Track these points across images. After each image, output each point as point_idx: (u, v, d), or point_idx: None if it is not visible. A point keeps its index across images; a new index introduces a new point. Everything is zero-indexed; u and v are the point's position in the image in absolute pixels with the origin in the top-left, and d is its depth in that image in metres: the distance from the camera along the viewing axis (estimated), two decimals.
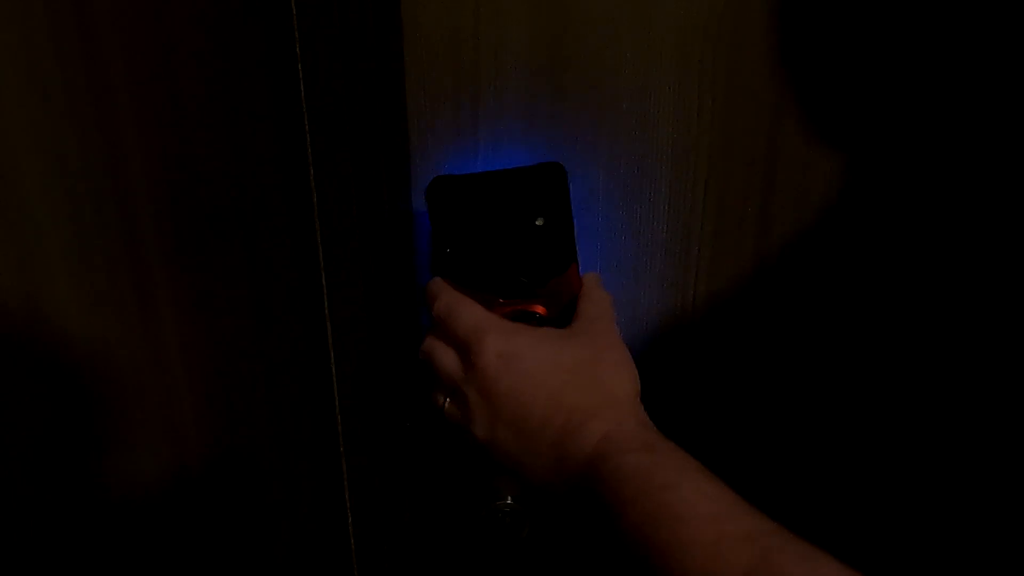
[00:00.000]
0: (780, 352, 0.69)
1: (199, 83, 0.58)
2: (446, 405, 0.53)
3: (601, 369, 0.51)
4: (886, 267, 0.66)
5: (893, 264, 0.66)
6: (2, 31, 0.56)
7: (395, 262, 0.63)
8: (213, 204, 0.61)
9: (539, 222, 0.56)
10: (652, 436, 0.48)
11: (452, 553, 0.74)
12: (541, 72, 0.59)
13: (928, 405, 0.70)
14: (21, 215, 0.60)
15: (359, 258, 0.62)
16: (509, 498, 0.71)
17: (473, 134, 0.61)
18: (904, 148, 0.63)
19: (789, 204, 0.64)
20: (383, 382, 0.67)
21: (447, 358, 0.53)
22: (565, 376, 0.50)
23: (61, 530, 0.71)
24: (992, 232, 0.64)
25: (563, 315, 0.56)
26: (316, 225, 0.61)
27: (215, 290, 0.64)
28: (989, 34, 0.59)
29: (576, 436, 0.48)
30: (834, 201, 0.64)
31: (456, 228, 0.56)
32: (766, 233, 0.65)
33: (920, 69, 0.60)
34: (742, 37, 0.59)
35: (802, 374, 0.70)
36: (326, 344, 0.65)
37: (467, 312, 0.52)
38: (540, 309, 0.56)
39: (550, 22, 0.58)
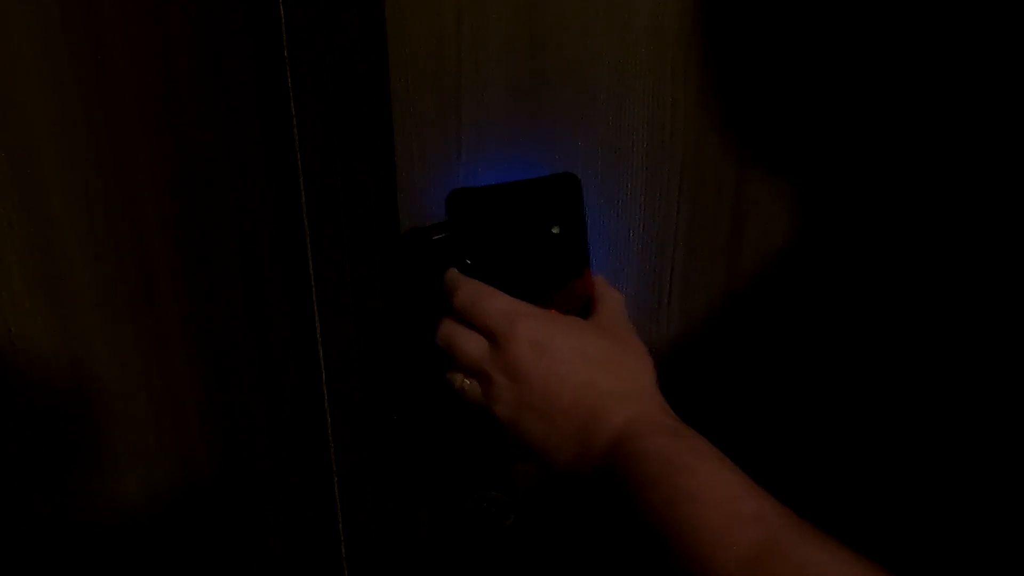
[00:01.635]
0: (759, 347, 0.71)
1: (197, 89, 0.59)
2: (466, 386, 0.54)
3: (625, 358, 0.54)
4: (863, 257, 0.68)
5: (870, 253, 0.68)
6: (23, 32, 0.57)
7: (383, 260, 0.64)
8: (209, 209, 0.62)
9: (555, 230, 0.59)
10: (673, 421, 0.51)
11: (438, 542, 0.76)
12: (521, 76, 0.61)
13: (903, 406, 0.71)
14: (42, 209, 0.62)
15: (347, 259, 0.63)
16: (494, 489, 0.72)
17: (456, 136, 0.62)
18: (883, 141, 0.65)
19: (763, 201, 0.66)
20: (371, 376, 0.67)
21: (472, 343, 0.53)
22: (593, 364, 0.52)
23: (60, 538, 0.71)
24: (980, 228, 0.65)
25: (579, 315, 0.58)
26: (305, 228, 0.62)
27: (212, 291, 0.65)
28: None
29: (602, 420, 0.50)
30: (808, 198, 0.66)
31: (476, 238, 0.58)
32: (740, 231, 0.67)
33: (896, 64, 0.62)
34: (713, 40, 0.61)
35: (780, 371, 0.72)
36: (315, 340, 0.66)
37: (496, 299, 0.54)
38: (558, 311, 0.58)
39: (530, 27, 0.60)
